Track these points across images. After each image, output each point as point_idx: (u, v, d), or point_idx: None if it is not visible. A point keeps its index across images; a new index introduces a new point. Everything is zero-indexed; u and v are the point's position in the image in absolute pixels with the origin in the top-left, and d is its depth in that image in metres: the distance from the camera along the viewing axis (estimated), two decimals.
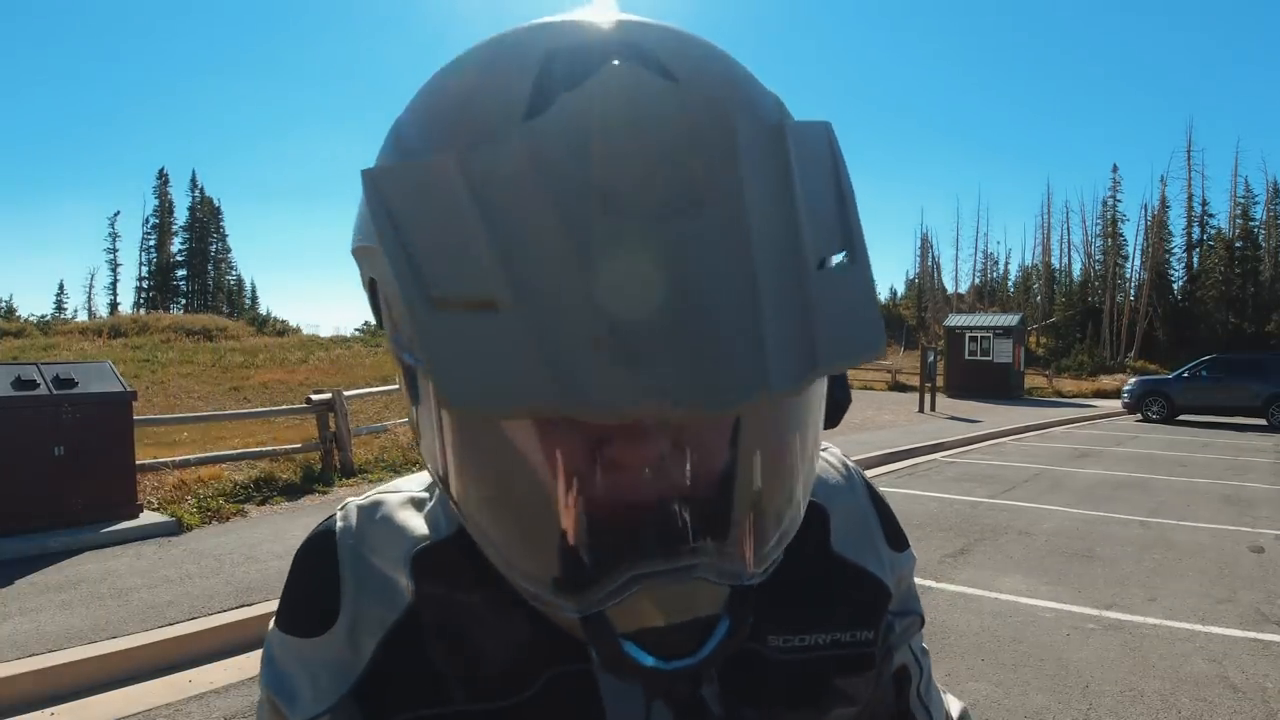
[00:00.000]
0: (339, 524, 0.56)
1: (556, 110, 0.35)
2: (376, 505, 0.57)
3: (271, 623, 0.57)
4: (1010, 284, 58.44)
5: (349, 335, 40.62)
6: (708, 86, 0.38)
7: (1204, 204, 48.40)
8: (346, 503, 0.58)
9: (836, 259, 0.39)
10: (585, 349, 0.33)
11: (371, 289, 0.45)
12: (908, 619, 0.64)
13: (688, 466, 0.41)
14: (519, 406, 0.33)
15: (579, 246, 0.33)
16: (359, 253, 0.44)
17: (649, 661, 0.42)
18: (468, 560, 0.49)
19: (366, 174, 0.38)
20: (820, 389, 0.45)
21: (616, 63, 0.36)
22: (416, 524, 0.54)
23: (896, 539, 0.65)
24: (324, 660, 0.52)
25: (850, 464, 0.66)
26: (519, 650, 0.49)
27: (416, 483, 0.59)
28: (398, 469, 8.01)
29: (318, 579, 0.54)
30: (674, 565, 0.41)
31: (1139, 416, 18.16)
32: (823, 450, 0.62)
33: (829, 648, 0.55)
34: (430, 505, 0.56)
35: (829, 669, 0.56)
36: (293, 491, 7.13)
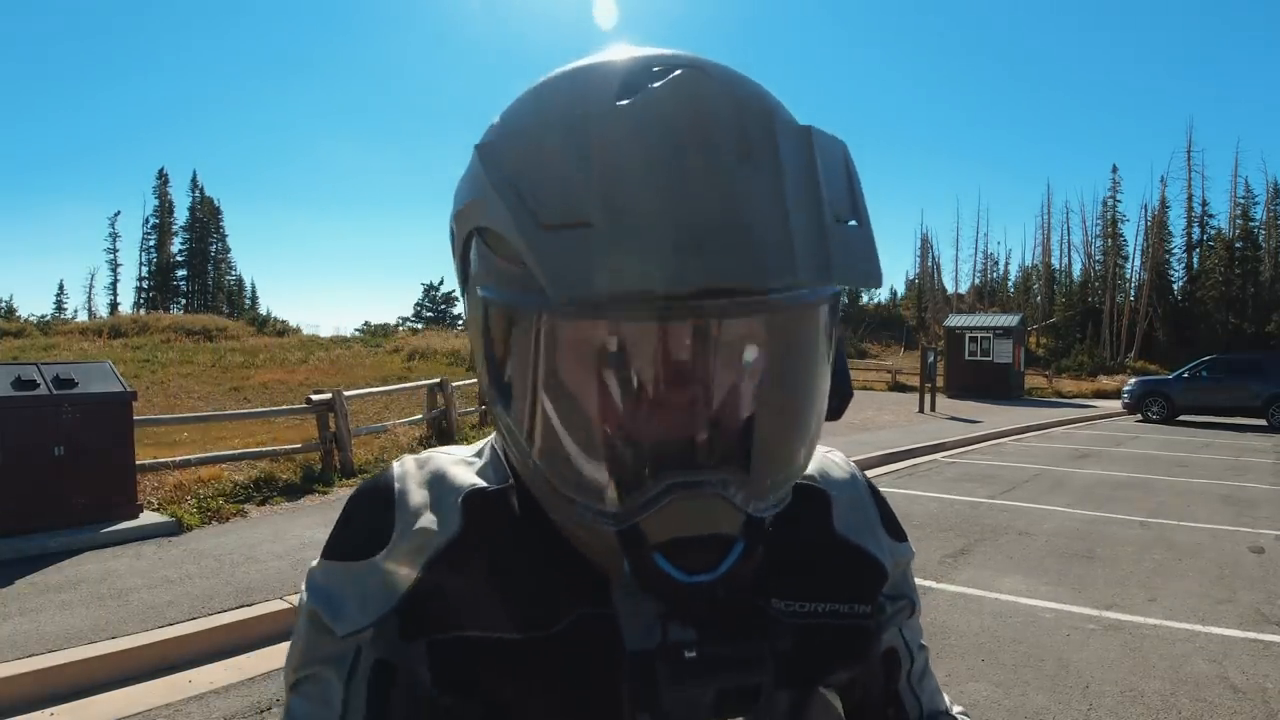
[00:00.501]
0: (395, 469, 0.63)
1: (642, 96, 0.45)
2: (431, 459, 0.63)
3: (316, 559, 0.61)
4: (1010, 284, 58.44)
5: (349, 335, 40.64)
6: (754, 94, 0.49)
7: (1204, 204, 48.39)
8: (402, 457, 0.64)
9: (848, 223, 0.48)
10: (660, 246, 0.41)
11: (465, 249, 0.53)
12: (899, 603, 0.69)
13: (720, 392, 0.48)
14: (605, 289, 0.42)
15: (658, 180, 0.42)
16: (463, 213, 0.52)
17: (673, 572, 0.48)
18: (512, 507, 0.57)
19: (480, 147, 0.49)
20: (822, 351, 0.51)
21: (680, 71, 0.45)
22: (467, 476, 0.61)
23: (895, 530, 0.69)
24: (373, 581, 0.57)
25: (852, 464, 0.71)
26: (551, 588, 0.55)
27: (466, 450, 0.65)
28: None
29: (372, 511, 0.60)
30: (704, 477, 0.47)
31: (1139, 417, 18.16)
32: (828, 451, 0.69)
33: (827, 616, 0.60)
34: (480, 465, 0.62)
35: (826, 636, 0.60)
36: (293, 492, 7.13)
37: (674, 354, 0.47)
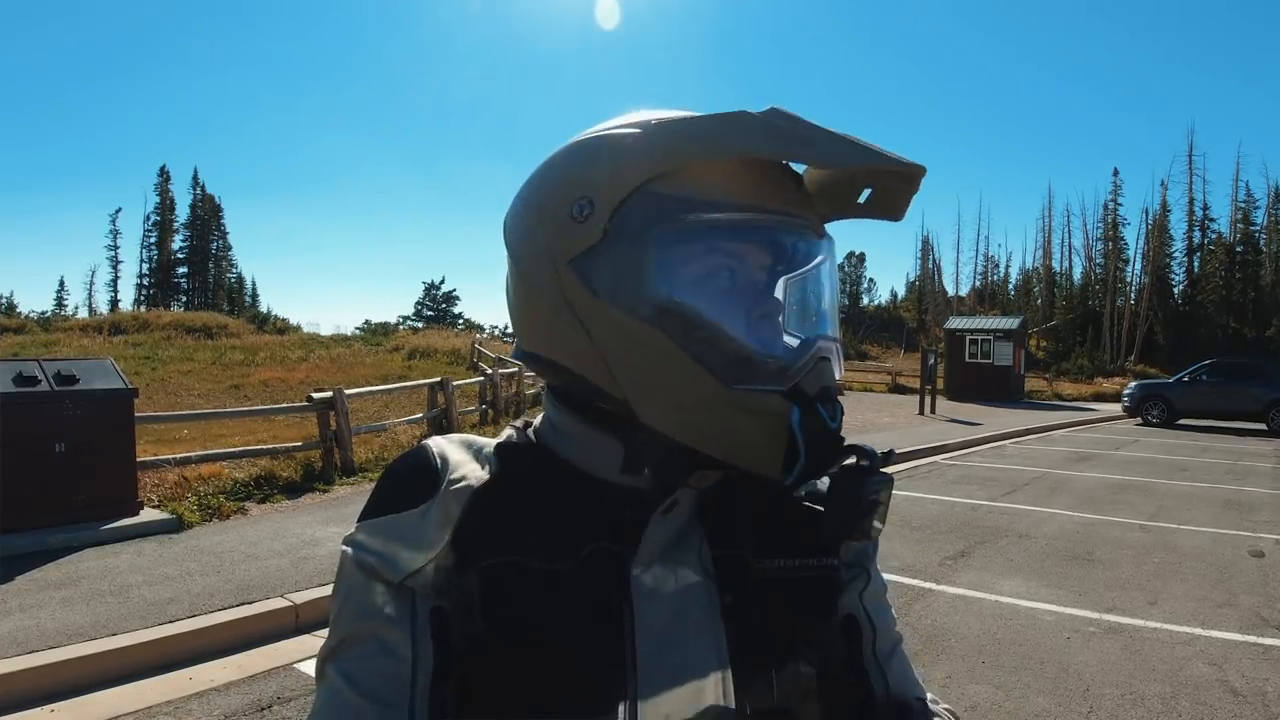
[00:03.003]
0: (428, 442, 0.69)
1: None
2: (458, 434, 0.71)
3: (354, 530, 0.66)
4: (1011, 287, 58.43)
5: (349, 334, 40.64)
6: None
7: (1205, 208, 48.41)
8: (430, 438, 0.71)
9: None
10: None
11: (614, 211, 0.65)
12: (853, 570, 0.74)
13: (832, 286, 0.66)
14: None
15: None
16: (620, 178, 0.65)
17: (826, 417, 0.60)
18: (538, 457, 0.67)
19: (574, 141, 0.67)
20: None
21: None
22: (494, 440, 0.70)
23: None
24: (425, 524, 0.63)
25: None
26: (573, 525, 0.63)
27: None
28: None
29: (417, 469, 0.66)
30: (831, 344, 0.63)
31: (1139, 420, 18.16)
32: None
33: (798, 569, 0.67)
34: (506, 433, 0.71)
35: (799, 586, 0.67)
36: (293, 490, 7.13)
37: (820, 253, 0.65)
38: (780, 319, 0.62)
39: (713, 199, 0.60)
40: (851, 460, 0.63)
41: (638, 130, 0.63)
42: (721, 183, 0.61)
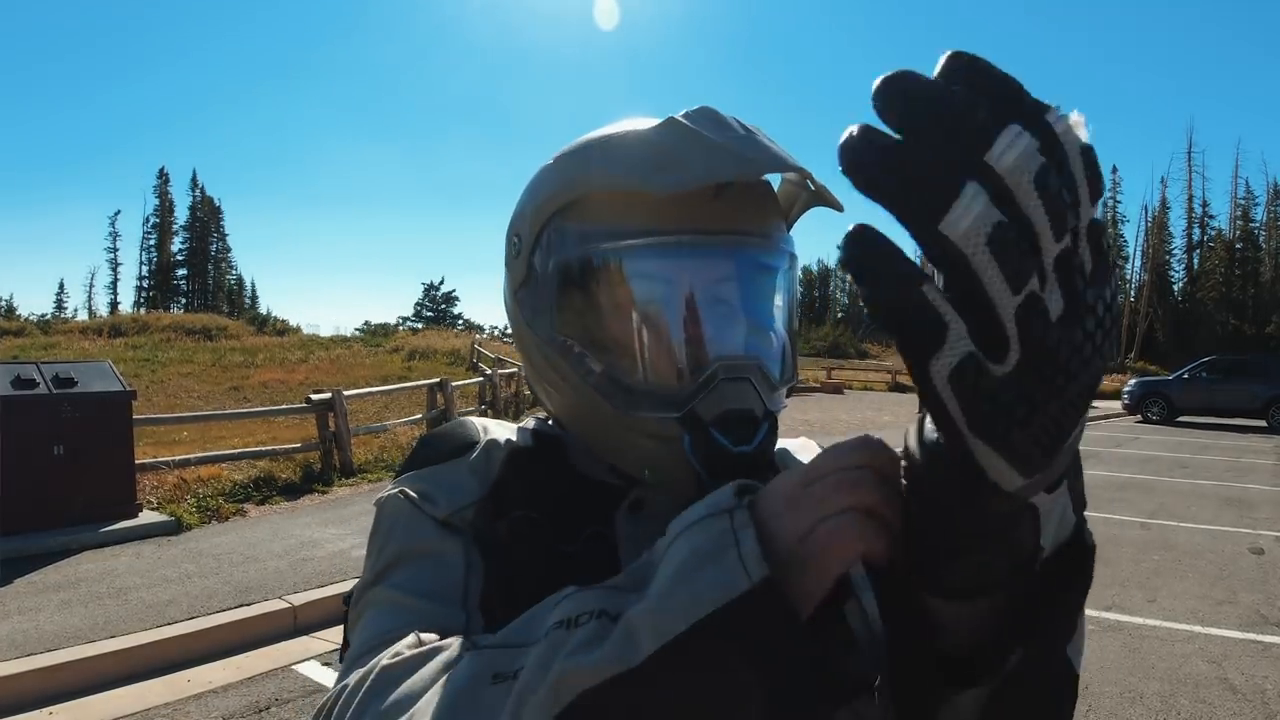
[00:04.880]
0: (468, 417, 0.75)
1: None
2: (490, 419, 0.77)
3: (393, 486, 0.68)
4: None
5: (349, 335, 40.66)
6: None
7: (1204, 205, 48.42)
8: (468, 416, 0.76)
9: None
10: (715, 158, 0.57)
11: (534, 245, 0.67)
12: None
13: (750, 301, 0.63)
14: (692, 177, 0.56)
15: (706, 135, 0.59)
16: (542, 206, 0.67)
17: (725, 443, 0.60)
18: (555, 448, 0.72)
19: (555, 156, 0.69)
20: (788, 290, 0.67)
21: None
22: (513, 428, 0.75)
23: None
24: (464, 473, 0.67)
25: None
26: (574, 508, 0.67)
27: None
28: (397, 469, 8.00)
29: (458, 434, 0.71)
30: (743, 362, 0.61)
31: (1139, 417, 18.15)
32: (803, 445, 0.80)
33: None
34: (528, 421, 0.76)
35: None
36: (292, 491, 7.13)
37: (720, 270, 0.62)
38: (676, 343, 0.62)
39: (611, 227, 0.61)
40: None
41: (549, 163, 0.67)
42: (621, 209, 0.61)
